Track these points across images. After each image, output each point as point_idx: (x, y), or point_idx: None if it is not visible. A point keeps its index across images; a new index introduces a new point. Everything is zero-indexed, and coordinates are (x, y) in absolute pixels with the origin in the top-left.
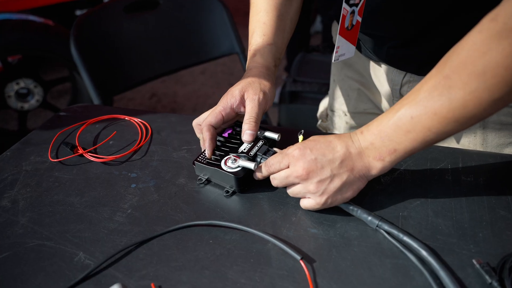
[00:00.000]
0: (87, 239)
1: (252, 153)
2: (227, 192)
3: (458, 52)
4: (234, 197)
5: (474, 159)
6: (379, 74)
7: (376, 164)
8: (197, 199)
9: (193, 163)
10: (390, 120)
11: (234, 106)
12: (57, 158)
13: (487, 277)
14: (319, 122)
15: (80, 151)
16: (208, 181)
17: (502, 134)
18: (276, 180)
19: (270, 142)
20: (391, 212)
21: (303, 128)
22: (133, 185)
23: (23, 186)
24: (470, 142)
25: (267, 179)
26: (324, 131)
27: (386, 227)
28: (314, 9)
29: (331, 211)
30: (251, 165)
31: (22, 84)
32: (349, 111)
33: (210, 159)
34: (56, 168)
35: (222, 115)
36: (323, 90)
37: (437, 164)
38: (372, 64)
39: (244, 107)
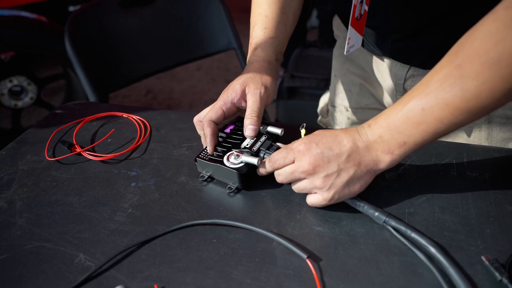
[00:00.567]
0: (87, 240)
1: (255, 148)
2: (230, 188)
3: (471, 41)
4: (237, 195)
5: (478, 154)
6: (382, 68)
7: (384, 158)
8: (199, 197)
9: (195, 160)
10: (399, 112)
11: (235, 101)
12: (54, 157)
13: (496, 274)
14: (320, 118)
15: (78, 149)
16: (210, 178)
17: (507, 128)
18: (281, 176)
19: (273, 137)
20: (397, 208)
21: (309, 126)
22: (133, 184)
23: (19, 186)
24: (475, 136)
25: (270, 176)
26: (325, 127)
27: (393, 223)
28: (311, 4)
29: (336, 208)
30: (254, 160)
31: (15, 81)
32: (350, 106)
33: (212, 155)
34: (53, 167)
35: (223, 110)
36: (322, 85)
37: (441, 160)
38: (375, 59)
39: (245, 101)
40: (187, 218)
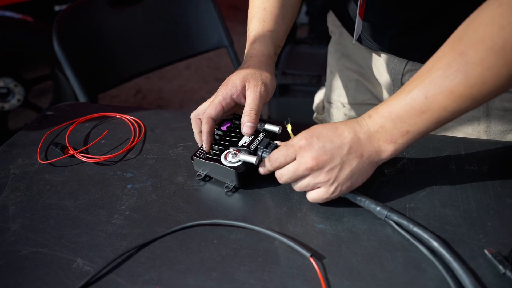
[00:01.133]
0: (85, 244)
1: (252, 146)
2: (228, 187)
3: (475, 27)
4: (236, 194)
5: (476, 147)
6: (379, 63)
7: (387, 147)
8: (197, 197)
9: (191, 158)
10: (402, 101)
11: (235, 96)
12: (47, 159)
13: (500, 267)
14: (315, 114)
15: (71, 151)
16: (207, 177)
17: (505, 120)
18: (284, 177)
19: (271, 135)
20: (398, 204)
21: (295, 121)
22: (130, 186)
23: (12, 191)
24: (473, 129)
25: (269, 174)
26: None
27: (395, 217)
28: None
29: (337, 204)
30: (252, 159)
31: (1, 83)
32: (347, 102)
33: (209, 153)
34: (46, 170)
35: (222, 105)
36: (314, 82)
37: (440, 154)
38: (371, 54)
39: (245, 98)
40: (187, 219)
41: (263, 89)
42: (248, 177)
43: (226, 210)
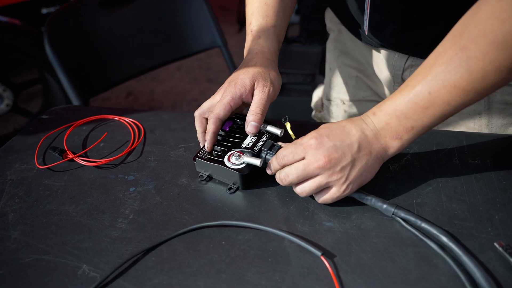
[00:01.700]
0: (89, 250)
1: (256, 148)
2: (230, 189)
3: (476, 22)
4: (241, 194)
5: (478, 141)
6: (379, 60)
7: (393, 143)
8: (202, 199)
9: (194, 159)
10: (405, 97)
11: (243, 96)
12: (45, 164)
13: (511, 259)
14: (314, 112)
15: (70, 155)
16: (210, 178)
17: (506, 113)
18: (291, 176)
19: (272, 138)
20: (405, 200)
21: (291, 120)
22: (132, 189)
23: (10, 197)
24: (475, 123)
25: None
26: (320, 122)
27: (402, 214)
28: None
29: (343, 202)
30: (256, 161)
31: None
32: (347, 99)
33: (212, 154)
34: (45, 175)
35: (231, 106)
36: (308, 80)
37: (443, 148)
38: (371, 50)
39: (252, 97)
40: (192, 221)
41: (271, 89)
42: (251, 179)
43: (232, 211)
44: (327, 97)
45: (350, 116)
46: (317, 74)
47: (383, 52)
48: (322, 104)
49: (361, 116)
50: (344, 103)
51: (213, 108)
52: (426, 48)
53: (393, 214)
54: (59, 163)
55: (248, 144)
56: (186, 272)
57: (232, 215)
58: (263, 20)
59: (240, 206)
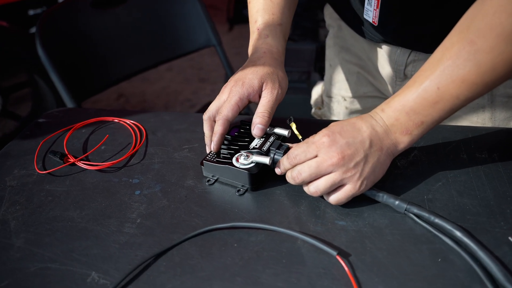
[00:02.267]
0: (97, 257)
1: (264, 148)
2: (239, 191)
3: (483, 15)
4: (251, 195)
5: (483, 135)
6: (380, 55)
7: (403, 139)
8: (210, 200)
9: (201, 163)
10: (414, 93)
11: (251, 97)
12: (45, 169)
13: None
14: (314, 109)
15: (72, 159)
16: (217, 182)
17: (509, 107)
18: (304, 174)
19: (280, 139)
20: (416, 196)
21: (283, 118)
22: (137, 192)
23: (11, 204)
24: (478, 117)
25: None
26: (320, 119)
27: (415, 210)
28: None
29: (354, 200)
30: (265, 160)
31: None
32: (348, 96)
33: (219, 157)
34: (46, 180)
35: (239, 106)
36: (304, 78)
37: (449, 143)
38: (372, 46)
39: (259, 98)
40: (202, 223)
41: (280, 92)
42: (260, 179)
43: (243, 212)
44: (327, 94)
45: (352, 112)
46: (312, 72)
47: (385, 47)
48: (322, 101)
49: (369, 113)
50: (345, 100)
51: (220, 108)
52: (430, 42)
53: (405, 210)
54: (60, 167)
55: (256, 145)
56: (200, 276)
57: (242, 216)
58: (269, 18)
59: (249, 207)
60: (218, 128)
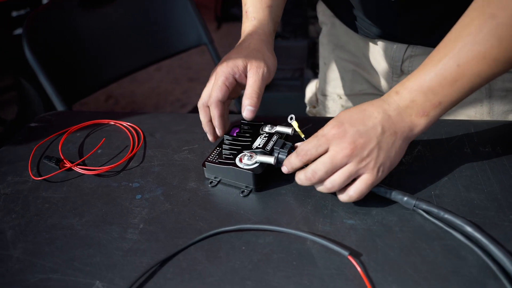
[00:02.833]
0: (101, 265)
1: (268, 147)
2: (243, 192)
3: None
4: (255, 196)
5: (485, 129)
6: (376, 52)
7: (420, 121)
8: (215, 203)
9: (203, 165)
10: (431, 72)
11: (237, 76)
12: (40, 175)
13: None
14: (308, 108)
15: (68, 164)
16: (219, 183)
17: (507, 100)
18: (320, 172)
19: (283, 137)
20: (423, 192)
21: (282, 117)
22: (138, 196)
23: (6, 213)
24: (477, 112)
25: (289, 174)
26: (316, 118)
27: (424, 206)
28: None
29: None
30: (270, 159)
31: None
32: (344, 94)
33: (222, 157)
34: (41, 187)
35: (226, 85)
36: (297, 75)
37: (452, 138)
38: (367, 43)
39: (246, 78)
40: (207, 227)
41: (265, 70)
42: (264, 179)
43: (249, 214)
44: (322, 93)
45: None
46: (305, 69)
47: (380, 43)
48: (317, 100)
49: (382, 97)
50: (341, 98)
51: (210, 93)
52: (427, 34)
53: (414, 206)
54: (56, 173)
55: (259, 145)
56: (209, 282)
57: (248, 218)
58: (258, 1)
59: (255, 209)
60: (214, 112)
